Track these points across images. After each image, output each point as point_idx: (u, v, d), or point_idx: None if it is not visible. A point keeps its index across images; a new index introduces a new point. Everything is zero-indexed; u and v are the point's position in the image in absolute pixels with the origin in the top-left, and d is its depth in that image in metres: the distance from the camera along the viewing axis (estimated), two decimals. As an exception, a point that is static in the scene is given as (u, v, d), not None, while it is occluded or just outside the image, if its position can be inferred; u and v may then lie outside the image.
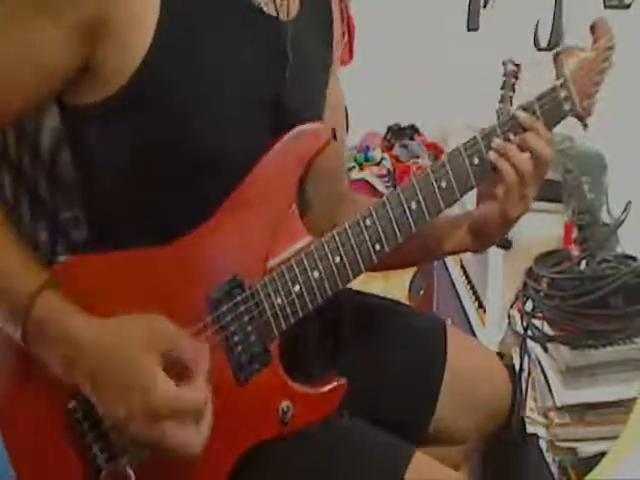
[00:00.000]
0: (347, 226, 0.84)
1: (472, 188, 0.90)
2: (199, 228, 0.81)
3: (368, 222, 0.85)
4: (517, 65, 1.70)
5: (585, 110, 0.94)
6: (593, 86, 0.95)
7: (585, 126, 0.99)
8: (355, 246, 0.84)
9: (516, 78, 1.70)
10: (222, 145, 0.83)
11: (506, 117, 0.89)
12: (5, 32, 0.74)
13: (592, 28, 0.97)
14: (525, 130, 0.88)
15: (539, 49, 2.01)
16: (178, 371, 0.71)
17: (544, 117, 0.90)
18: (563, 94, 0.91)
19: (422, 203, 0.87)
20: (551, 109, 0.91)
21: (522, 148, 0.88)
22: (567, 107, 0.92)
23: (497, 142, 0.88)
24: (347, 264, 0.84)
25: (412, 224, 0.87)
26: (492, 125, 0.89)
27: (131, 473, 0.78)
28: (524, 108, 0.90)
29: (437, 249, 1.00)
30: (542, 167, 0.89)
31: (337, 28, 1.01)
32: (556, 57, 0.95)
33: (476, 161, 0.88)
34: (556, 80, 0.92)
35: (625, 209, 1.29)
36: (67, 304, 0.74)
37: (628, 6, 1.59)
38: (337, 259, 0.84)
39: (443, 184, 0.87)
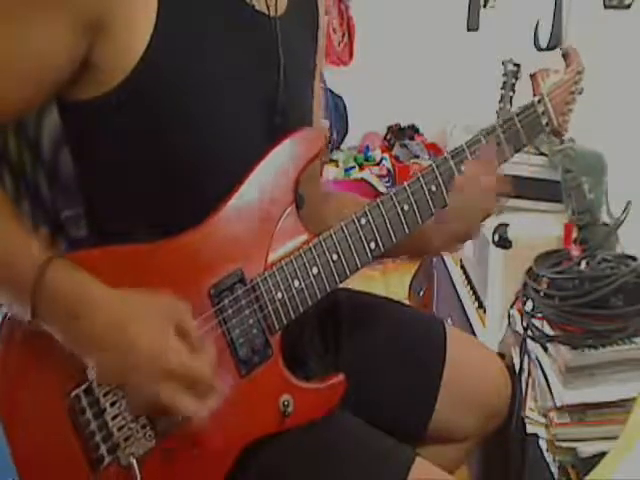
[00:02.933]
0: (343, 225, 0.86)
1: None
2: (201, 224, 0.82)
3: (363, 221, 0.87)
4: (517, 65, 1.71)
5: (561, 126, 1.01)
6: (566, 105, 1.01)
7: (562, 142, 1.06)
8: (351, 244, 0.87)
9: (516, 78, 1.70)
10: (219, 143, 0.83)
11: (459, 148, 0.93)
12: (5, 30, 0.74)
13: (564, 55, 1.05)
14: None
15: (539, 49, 2.01)
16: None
17: (524, 130, 0.95)
18: (541, 109, 0.97)
19: (414, 205, 0.90)
20: (530, 123, 0.96)
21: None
22: (544, 121, 0.98)
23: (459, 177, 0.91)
24: (344, 261, 0.86)
25: (405, 225, 0.90)
26: (461, 146, 0.93)
27: (134, 463, 0.79)
28: (487, 133, 0.94)
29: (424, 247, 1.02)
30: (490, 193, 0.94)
31: (322, 23, 1.03)
32: (533, 77, 1.02)
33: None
34: (534, 97, 0.99)
35: (625, 209, 1.29)
36: (80, 270, 0.75)
37: (628, 6, 1.59)
38: (334, 256, 0.86)
39: (433, 188, 0.91)
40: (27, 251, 0.75)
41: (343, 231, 0.86)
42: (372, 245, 0.87)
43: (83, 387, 0.78)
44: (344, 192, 1.15)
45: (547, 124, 0.98)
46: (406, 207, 0.89)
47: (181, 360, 0.73)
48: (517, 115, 0.95)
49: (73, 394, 0.78)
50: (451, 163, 0.91)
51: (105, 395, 0.79)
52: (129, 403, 0.78)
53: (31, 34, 0.74)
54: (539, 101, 0.97)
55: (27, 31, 0.73)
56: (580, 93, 1.03)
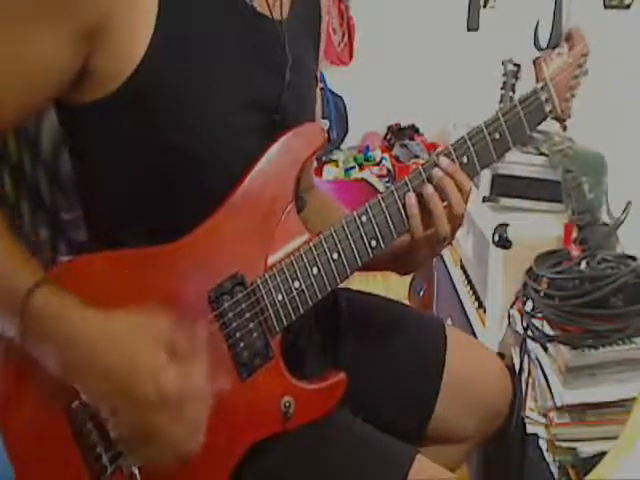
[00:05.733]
0: (344, 223, 0.86)
1: None
2: (200, 227, 0.81)
3: (364, 219, 0.86)
4: (517, 65, 1.71)
5: (564, 112, 0.98)
6: (569, 90, 0.99)
7: (564, 128, 1.04)
8: (352, 242, 0.86)
9: (516, 78, 1.71)
10: (220, 145, 0.83)
11: (430, 159, 0.89)
12: (4, 39, 0.73)
13: (567, 36, 1.02)
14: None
15: (539, 49, 2.01)
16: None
17: (527, 118, 0.92)
18: (544, 96, 0.95)
19: None
20: (533, 110, 0.94)
21: (440, 194, 0.87)
22: (548, 108, 0.95)
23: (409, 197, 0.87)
24: (345, 260, 0.86)
25: (407, 221, 0.88)
26: (462, 137, 0.90)
27: (136, 472, 0.78)
28: (490, 122, 0.90)
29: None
30: (454, 219, 0.88)
31: (324, 25, 1.03)
32: (536, 62, 0.99)
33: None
34: (537, 83, 0.96)
35: (625, 209, 1.29)
36: (66, 296, 0.74)
37: (628, 6, 1.59)
38: (335, 255, 0.85)
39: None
40: (18, 274, 0.73)
41: (344, 229, 0.85)
42: (373, 243, 0.87)
43: (84, 397, 0.77)
44: (327, 195, 1.13)
45: (550, 111, 0.95)
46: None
47: (174, 387, 0.70)
48: (520, 103, 0.92)
49: (74, 405, 0.78)
50: (454, 156, 0.89)
51: None
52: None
53: (31, 44, 0.73)
54: (542, 88, 0.94)
55: (28, 42, 0.73)
56: (585, 75, 1.00)
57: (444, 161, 0.88)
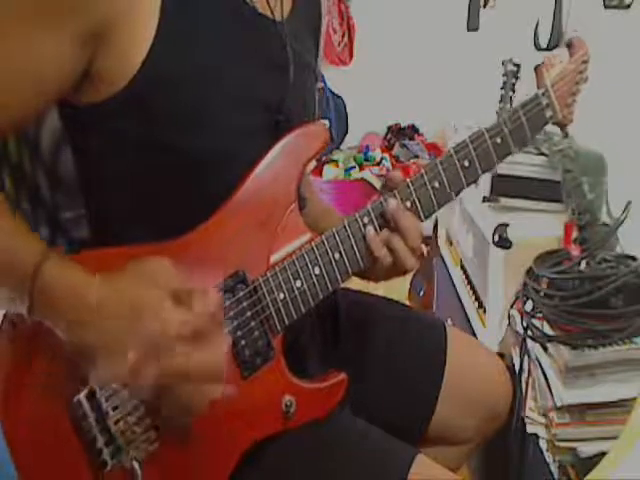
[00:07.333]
0: (346, 223, 0.86)
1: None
2: (202, 225, 0.81)
3: (366, 220, 0.86)
4: (517, 65, 1.71)
5: (565, 117, 0.99)
6: (570, 96, 0.99)
7: (566, 134, 1.04)
8: (354, 243, 0.86)
9: (516, 78, 1.71)
10: (222, 145, 0.83)
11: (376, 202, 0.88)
12: (6, 41, 0.73)
13: (568, 44, 1.03)
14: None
15: (539, 49, 2.01)
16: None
17: (528, 123, 0.93)
18: (545, 102, 0.96)
19: (417, 202, 0.89)
20: (534, 116, 0.95)
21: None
22: (549, 114, 0.96)
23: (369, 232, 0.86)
24: (346, 260, 0.86)
25: None
26: (464, 141, 0.90)
27: (137, 467, 0.79)
28: (493, 127, 0.90)
29: None
30: (412, 242, 0.87)
31: (324, 28, 1.03)
32: (537, 68, 1.00)
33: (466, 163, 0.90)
34: (538, 89, 0.97)
35: (625, 209, 1.29)
36: (74, 266, 0.73)
37: (628, 6, 1.59)
38: (337, 255, 0.86)
39: (436, 184, 0.90)
40: (25, 248, 0.73)
41: (346, 230, 0.86)
42: None
43: (84, 392, 0.78)
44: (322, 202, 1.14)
45: (551, 117, 0.96)
46: (408, 204, 0.88)
47: (180, 320, 0.69)
48: (522, 108, 0.93)
49: (75, 399, 0.78)
50: (455, 159, 0.90)
51: (107, 399, 0.78)
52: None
53: (34, 47, 0.73)
54: (543, 93, 0.95)
55: (30, 44, 0.73)
56: (585, 82, 1.01)
57: (392, 203, 0.86)
